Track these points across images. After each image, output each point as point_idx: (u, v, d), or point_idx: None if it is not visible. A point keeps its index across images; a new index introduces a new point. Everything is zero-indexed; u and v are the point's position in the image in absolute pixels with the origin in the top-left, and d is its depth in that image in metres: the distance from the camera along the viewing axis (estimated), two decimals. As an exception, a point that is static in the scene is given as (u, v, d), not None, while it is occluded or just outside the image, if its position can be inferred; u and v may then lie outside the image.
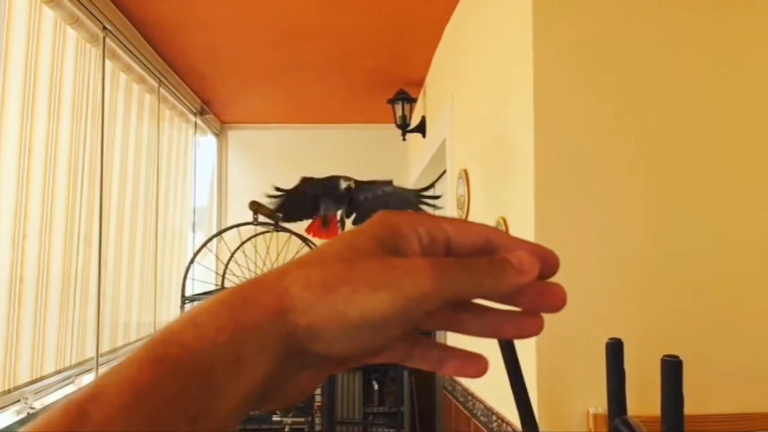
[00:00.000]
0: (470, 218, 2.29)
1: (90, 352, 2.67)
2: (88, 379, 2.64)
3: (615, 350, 1.16)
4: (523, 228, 1.68)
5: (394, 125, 3.86)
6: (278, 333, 0.29)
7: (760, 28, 1.69)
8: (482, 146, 2.26)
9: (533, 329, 0.35)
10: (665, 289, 1.60)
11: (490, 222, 1.93)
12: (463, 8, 2.66)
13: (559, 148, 1.63)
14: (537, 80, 1.64)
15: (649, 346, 1.28)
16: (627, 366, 1.15)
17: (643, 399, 1.20)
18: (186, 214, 4.26)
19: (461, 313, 0.36)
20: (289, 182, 2.98)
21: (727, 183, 1.64)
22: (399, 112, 3.81)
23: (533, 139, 1.62)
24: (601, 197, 1.62)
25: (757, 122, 1.67)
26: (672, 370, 1.00)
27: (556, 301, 0.34)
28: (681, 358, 0.99)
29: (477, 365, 0.36)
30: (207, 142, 4.81)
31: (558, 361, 1.56)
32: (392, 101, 3.80)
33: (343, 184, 2.51)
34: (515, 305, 0.34)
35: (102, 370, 2.74)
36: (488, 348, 0.36)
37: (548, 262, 0.34)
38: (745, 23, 1.69)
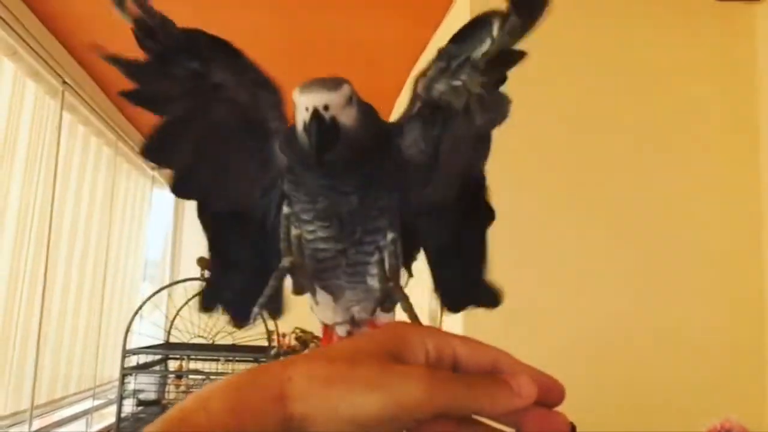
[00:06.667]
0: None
1: (25, 404, 2.59)
2: (22, 430, 2.56)
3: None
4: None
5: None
6: (277, 416, 0.32)
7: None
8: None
9: None
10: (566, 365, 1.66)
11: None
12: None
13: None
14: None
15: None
16: None
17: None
18: (137, 267, 4.22)
19: (464, 428, 0.36)
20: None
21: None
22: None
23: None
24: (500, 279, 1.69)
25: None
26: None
27: (558, 429, 0.35)
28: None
29: None
30: (165, 195, 4.80)
31: None
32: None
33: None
34: (519, 429, 0.35)
35: (36, 423, 2.65)
36: None
37: (552, 392, 0.36)
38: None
